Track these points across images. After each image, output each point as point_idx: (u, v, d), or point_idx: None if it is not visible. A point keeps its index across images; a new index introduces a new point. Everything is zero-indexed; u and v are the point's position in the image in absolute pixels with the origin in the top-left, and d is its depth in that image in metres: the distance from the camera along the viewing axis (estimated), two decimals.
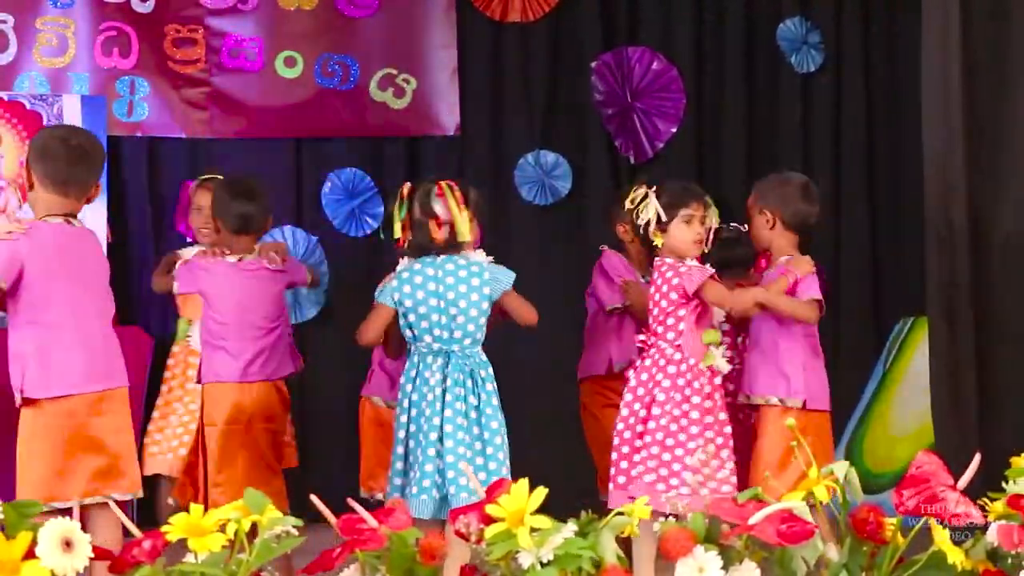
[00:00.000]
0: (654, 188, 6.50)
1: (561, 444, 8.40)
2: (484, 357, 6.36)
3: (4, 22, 9.17)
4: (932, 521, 4.63)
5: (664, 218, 6.43)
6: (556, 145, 9.65)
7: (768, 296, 6.50)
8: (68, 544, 4.49)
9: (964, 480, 4.71)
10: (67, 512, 4.58)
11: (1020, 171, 6.73)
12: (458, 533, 4.87)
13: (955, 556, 4.63)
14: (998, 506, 4.72)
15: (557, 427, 8.65)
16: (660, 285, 6.42)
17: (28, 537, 4.43)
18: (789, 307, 6.50)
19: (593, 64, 9.64)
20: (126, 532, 4.72)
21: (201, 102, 9.43)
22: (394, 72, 9.58)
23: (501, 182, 9.36)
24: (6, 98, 9.00)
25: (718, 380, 6.42)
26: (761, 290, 6.55)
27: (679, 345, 6.37)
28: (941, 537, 4.61)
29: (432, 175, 6.60)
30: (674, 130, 9.64)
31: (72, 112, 8.93)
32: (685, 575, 4.52)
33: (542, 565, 4.40)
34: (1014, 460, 5.02)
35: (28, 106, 8.97)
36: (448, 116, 9.61)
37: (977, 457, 4.78)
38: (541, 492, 4.52)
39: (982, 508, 4.70)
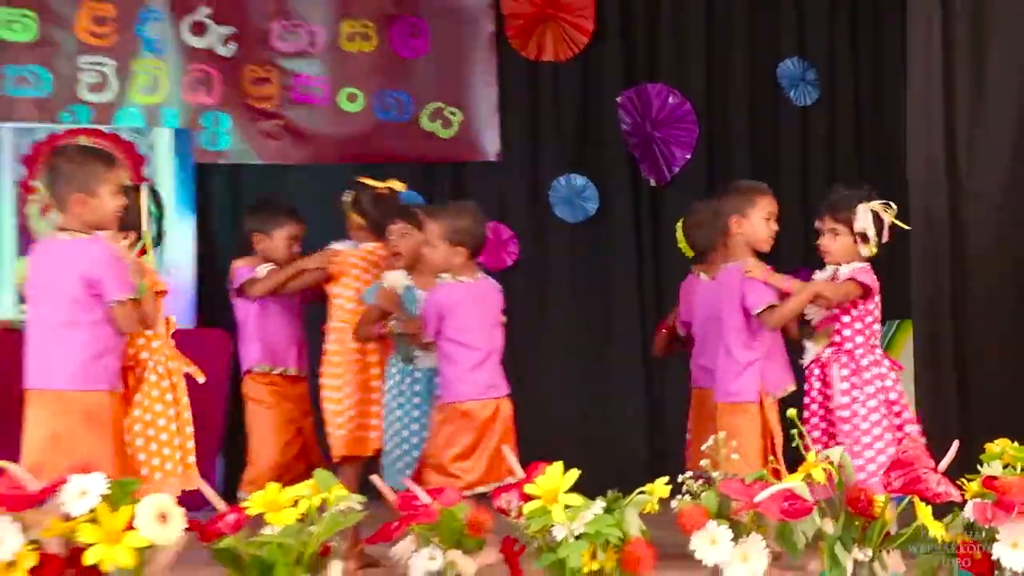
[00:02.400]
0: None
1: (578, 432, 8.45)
2: None
3: (106, 65, 9.26)
4: (916, 499, 4.69)
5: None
6: (584, 169, 9.64)
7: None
8: (163, 517, 4.56)
9: (944, 463, 4.73)
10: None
11: (993, 193, 6.72)
12: (500, 509, 4.94)
13: (936, 529, 4.64)
14: (974, 486, 4.72)
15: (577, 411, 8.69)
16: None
17: (129, 511, 4.54)
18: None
19: (618, 99, 9.64)
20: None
21: (275, 133, 9.47)
22: (442, 106, 9.61)
23: (537, 202, 9.35)
24: (106, 131, 9.06)
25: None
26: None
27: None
28: (924, 513, 4.63)
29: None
30: (688, 156, 9.63)
31: (163, 143, 9.01)
32: (699, 546, 4.58)
33: (574, 538, 4.49)
34: (988, 446, 5.01)
35: (124, 137, 9.03)
36: (490, 144, 9.62)
37: (955, 444, 4.82)
38: (573, 474, 4.59)
39: (960, 488, 4.76)
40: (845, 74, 9.83)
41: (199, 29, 9.37)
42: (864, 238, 6.04)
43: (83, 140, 8.84)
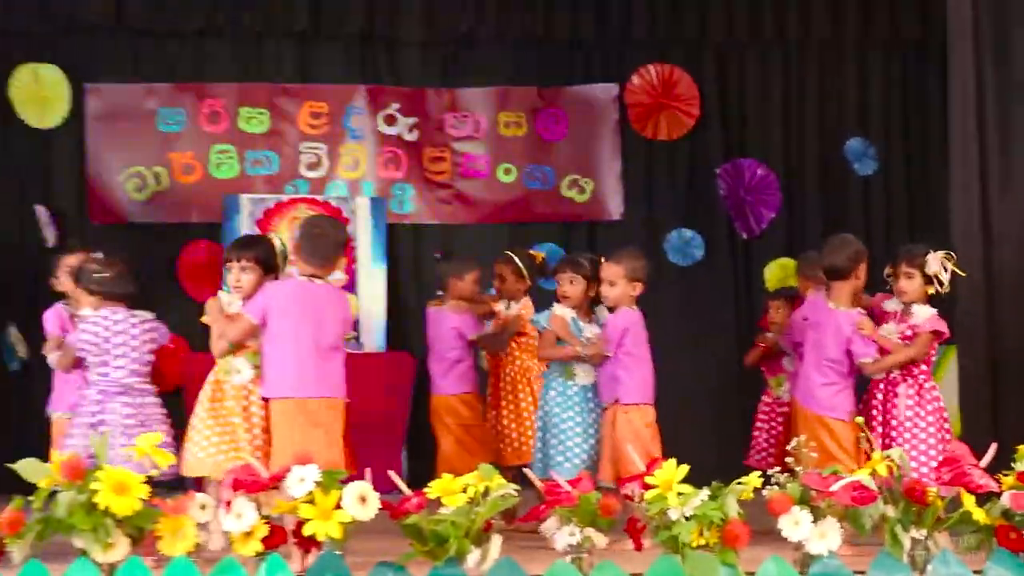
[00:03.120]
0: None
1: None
2: None
3: (320, 149, 9.39)
4: (962, 490, 4.61)
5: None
6: (692, 224, 9.56)
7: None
8: (363, 499, 4.59)
9: (985, 461, 4.69)
10: None
11: (1019, 237, 6.60)
12: (626, 496, 4.91)
13: (979, 515, 4.61)
14: (1009, 480, 4.69)
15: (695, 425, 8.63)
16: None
17: (338, 494, 4.56)
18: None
19: (717, 170, 9.56)
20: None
21: (448, 199, 9.50)
22: (578, 177, 9.56)
23: (655, 251, 9.20)
24: (320, 199, 9.20)
25: None
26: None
27: None
28: (969, 501, 4.60)
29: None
30: (773, 215, 9.53)
31: (363, 208, 9.14)
32: (785, 527, 4.53)
33: (685, 519, 4.45)
34: (1019, 448, 4.96)
35: (333, 204, 9.15)
36: (615, 206, 9.55)
37: (993, 446, 4.76)
38: (684, 468, 4.58)
39: (998, 481, 4.67)
40: (897, 151, 9.65)
41: (390, 120, 9.44)
42: (936, 280, 5.90)
43: (302, 208, 9.04)
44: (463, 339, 6.86)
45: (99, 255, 6.15)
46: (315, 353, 5.65)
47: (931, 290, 5.96)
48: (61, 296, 6.54)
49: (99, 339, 5.83)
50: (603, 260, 6.23)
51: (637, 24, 9.48)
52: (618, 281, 6.09)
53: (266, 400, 5.65)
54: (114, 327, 5.86)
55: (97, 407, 5.78)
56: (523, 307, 7.08)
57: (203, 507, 4.54)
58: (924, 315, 5.95)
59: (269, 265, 5.74)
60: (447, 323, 6.88)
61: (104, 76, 9.21)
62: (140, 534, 4.38)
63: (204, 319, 5.79)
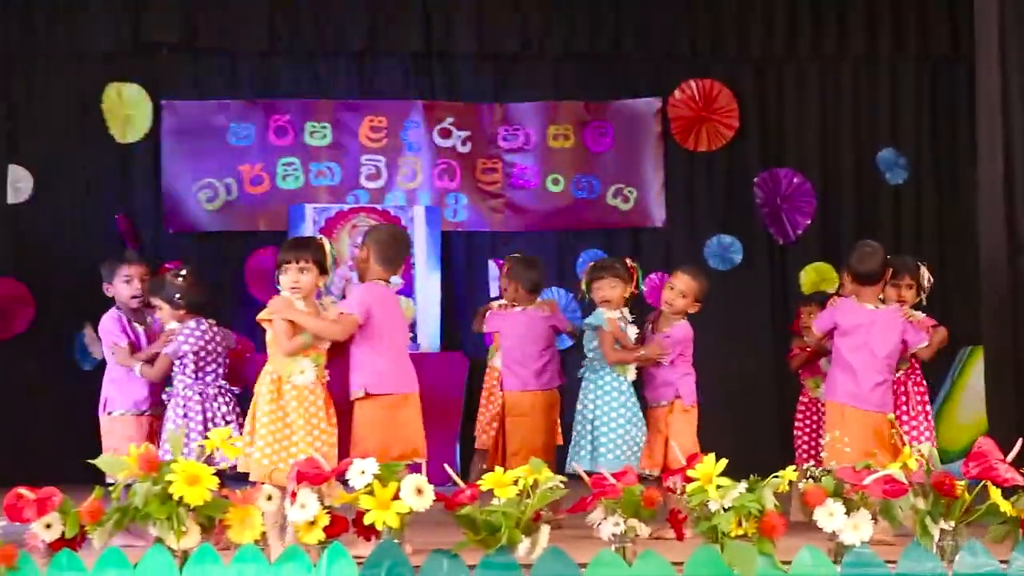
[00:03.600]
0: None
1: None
2: None
3: (379, 161, 9.43)
4: (989, 483, 4.57)
5: None
6: (731, 230, 9.54)
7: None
8: (419, 491, 4.60)
9: (1011, 456, 4.65)
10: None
11: None
12: (668, 488, 4.90)
13: (1005, 507, 4.56)
14: None
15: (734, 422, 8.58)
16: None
17: (395, 486, 4.56)
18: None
19: (755, 179, 9.53)
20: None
21: (499, 208, 9.52)
22: (622, 186, 9.55)
23: (696, 257, 9.19)
24: (379, 208, 9.25)
25: None
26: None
27: None
28: (995, 494, 4.55)
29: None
30: (808, 222, 9.48)
31: (419, 217, 9.16)
32: (821, 518, 4.50)
33: (724, 510, 4.43)
34: None
35: (392, 213, 9.19)
36: (658, 214, 9.53)
37: (1020, 441, 4.71)
38: (723, 463, 4.56)
39: (1023, 475, 4.64)
40: (927, 160, 9.59)
41: (445, 134, 9.48)
42: (925, 290, 6.39)
43: (362, 217, 9.08)
44: (553, 337, 6.76)
45: (181, 271, 6.23)
46: (405, 351, 5.92)
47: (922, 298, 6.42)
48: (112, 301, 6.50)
49: (199, 348, 6.04)
50: (630, 262, 6.44)
51: (679, 41, 9.47)
52: (689, 295, 6.20)
53: (360, 398, 5.69)
54: (207, 335, 6.09)
55: (198, 406, 5.97)
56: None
57: (269, 498, 4.56)
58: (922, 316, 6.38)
59: (323, 266, 5.67)
60: (544, 323, 6.72)
61: (179, 94, 9.32)
62: (211, 523, 4.41)
63: (268, 316, 5.64)
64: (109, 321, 6.32)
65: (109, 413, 6.17)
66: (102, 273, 6.38)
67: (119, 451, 5.07)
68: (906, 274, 6.32)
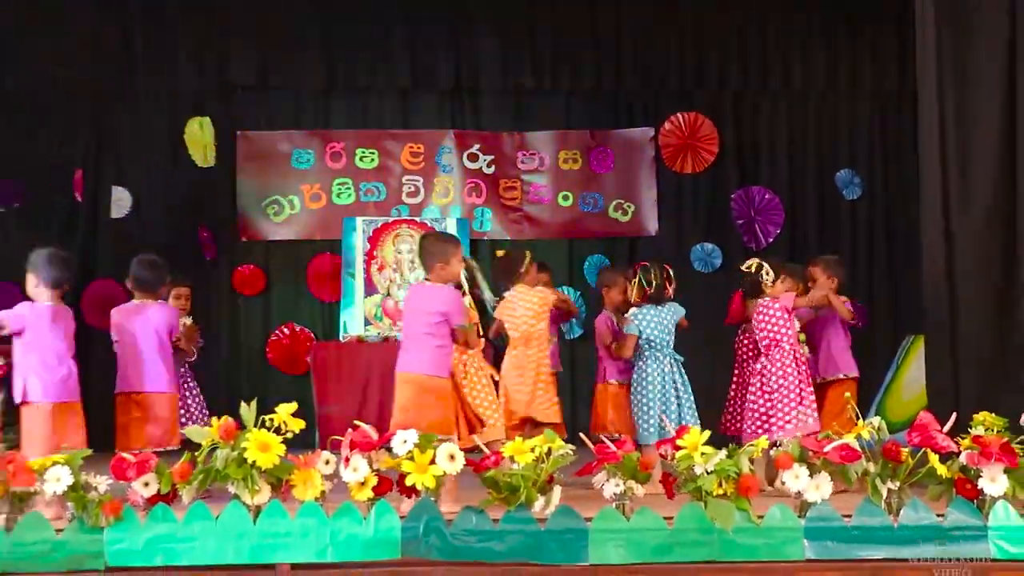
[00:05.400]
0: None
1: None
2: None
3: (418, 181, 9.43)
4: (928, 450, 4.57)
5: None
6: (712, 238, 9.50)
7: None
8: (452, 457, 4.61)
9: (947, 427, 4.64)
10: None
11: (972, 247, 6.50)
12: (661, 455, 4.88)
13: (942, 470, 4.55)
14: (966, 442, 4.62)
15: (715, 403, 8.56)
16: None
17: (431, 452, 4.57)
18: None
19: (732, 195, 9.51)
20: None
21: (518, 221, 9.50)
22: (622, 201, 9.53)
23: (682, 260, 9.16)
24: (418, 220, 9.24)
25: None
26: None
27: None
28: (934, 459, 4.54)
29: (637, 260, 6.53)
30: (778, 231, 9.44)
31: (451, 228, 9.10)
32: (788, 479, 4.51)
33: (707, 473, 4.44)
34: (975, 416, 4.92)
35: (428, 224, 9.17)
36: (652, 224, 9.49)
37: (953, 415, 4.71)
38: (706, 434, 4.57)
39: (956, 443, 4.63)
40: (879, 178, 9.54)
41: (473, 158, 9.48)
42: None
43: (404, 227, 9.09)
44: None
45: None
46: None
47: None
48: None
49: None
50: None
51: (669, 80, 9.42)
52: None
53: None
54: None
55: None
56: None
57: (327, 462, 4.58)
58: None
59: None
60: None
61: (251, 125, 9.36)
62: (279, 483, 4.43)
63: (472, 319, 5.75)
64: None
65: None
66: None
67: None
68: (789, 274, 6.42)
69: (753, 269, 6.38)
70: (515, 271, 6.40)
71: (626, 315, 6.38)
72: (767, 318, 6.23)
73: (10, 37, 8.76)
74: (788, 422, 5.97)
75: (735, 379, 6.88)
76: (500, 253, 7.07)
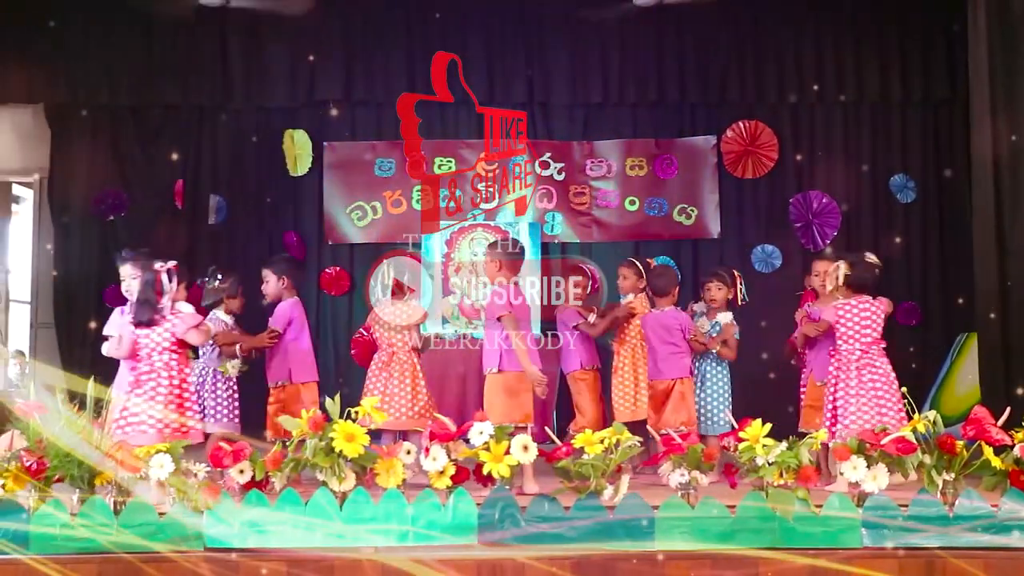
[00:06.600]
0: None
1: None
2: None
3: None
4: (983, 443, 4.49)
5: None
6: (772, 240, 9.40)
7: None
8: (525, 448, 4.61)
9: (1000, 421, 4.56)
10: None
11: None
12: (724, 447, 4.85)
13: (996, 462, 4.49)
14: (1019, 435, 4.56)
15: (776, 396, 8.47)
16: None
17: (506, 443, 4.58)
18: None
19: (791, 200, 9.39)
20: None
21: (587, 224, 9.46)
22: (685, 206, 9.45)
23: (744, 262, 9.11)
24: (492, 224, 9.24)
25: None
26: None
27: None
28: (988, 452, 4.47)
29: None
30: (834, 234, 9.31)
31: (523, 231, 9.09)
32: (846, 470, 4.46)
33: (769, 464, 4.41)
34: None
35: (502, 228, 9.17)
36: (714, 227, 9.41)
37: (1008, 409, 4.62)
38: (767, 427, 4.52)
39: (1011, 436, 4.54)
40: (932, 184, 9.36)
41: (544, 165, 9.46)
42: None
43: (479, 231, 9.10)
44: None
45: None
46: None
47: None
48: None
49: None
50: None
51: (730, 91, 9.35)
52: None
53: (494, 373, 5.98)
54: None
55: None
56: (639, 299, 6.92)
57: (408, 452, 4.60)
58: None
59: None
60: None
61: (337, 136, 9.44)
62: (363, 471, 4.47)
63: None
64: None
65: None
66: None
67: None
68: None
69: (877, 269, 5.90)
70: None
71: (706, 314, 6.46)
72: (874, 316, 5.77)
73: (123, 57, 9.01)
74: (901, 410, 5.56)
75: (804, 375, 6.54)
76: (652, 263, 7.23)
